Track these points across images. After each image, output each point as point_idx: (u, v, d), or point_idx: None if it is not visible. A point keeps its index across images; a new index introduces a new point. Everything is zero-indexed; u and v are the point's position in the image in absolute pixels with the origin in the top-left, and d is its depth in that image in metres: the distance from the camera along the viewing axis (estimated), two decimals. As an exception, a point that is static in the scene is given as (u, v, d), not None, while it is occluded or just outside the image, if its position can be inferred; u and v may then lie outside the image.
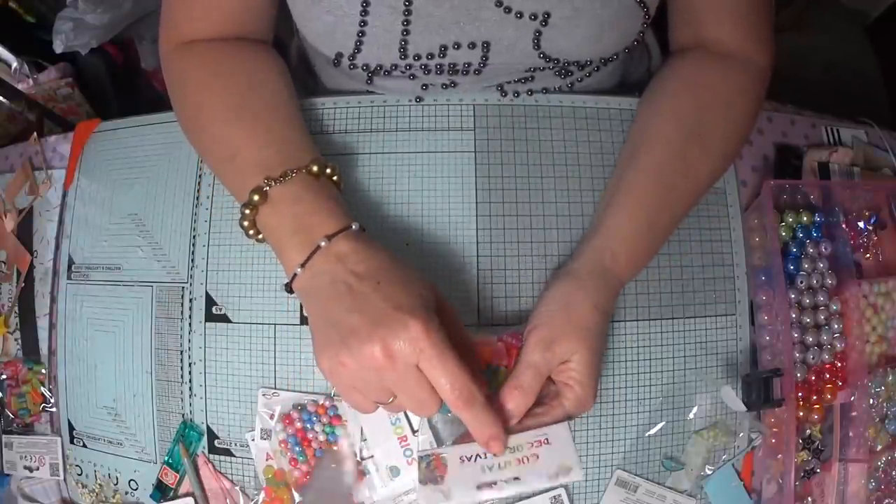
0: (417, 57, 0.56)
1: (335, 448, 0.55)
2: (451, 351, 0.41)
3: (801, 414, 0.55)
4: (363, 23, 0.53)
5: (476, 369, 0.46)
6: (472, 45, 0.55)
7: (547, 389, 0.48)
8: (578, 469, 0.47)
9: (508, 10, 0.52)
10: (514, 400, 0.46)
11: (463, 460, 0.47)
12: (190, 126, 0.55)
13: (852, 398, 0.56)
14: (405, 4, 0.52)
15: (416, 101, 0.61)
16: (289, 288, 0.47)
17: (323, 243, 0.44)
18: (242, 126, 0.51)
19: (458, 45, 0.55)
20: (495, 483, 0.46)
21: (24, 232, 0.68)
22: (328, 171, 0.50)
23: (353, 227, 0.46)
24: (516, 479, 0.46)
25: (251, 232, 0.49)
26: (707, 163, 0.54)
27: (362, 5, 0.52)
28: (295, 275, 0.46)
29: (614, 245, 0.51)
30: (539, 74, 0.60)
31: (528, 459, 0.47)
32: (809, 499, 0.56)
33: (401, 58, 0.56)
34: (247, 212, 0.48)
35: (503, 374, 0.49)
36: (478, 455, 0.47)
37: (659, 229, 0.53)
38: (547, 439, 0.47)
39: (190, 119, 0.55)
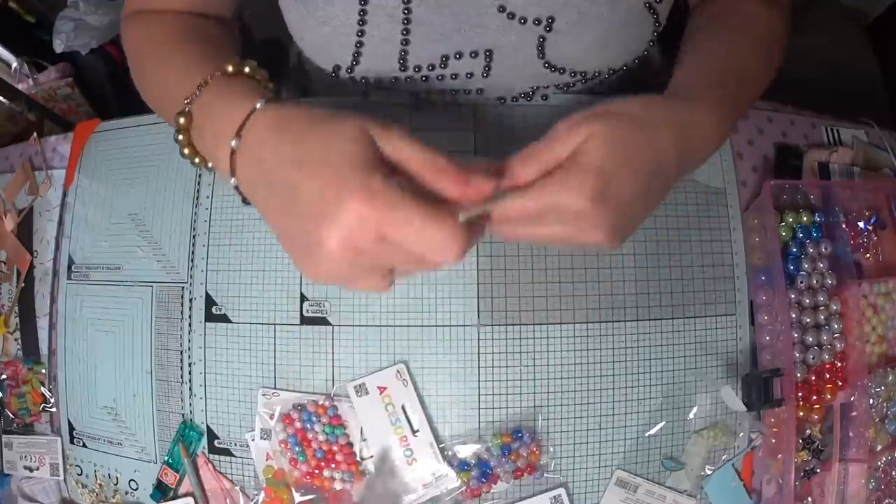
0: (418, 68, 0.55)
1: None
2: (404, 198, 0.34)
3: (801, 414, 0.55)
4: (361, 33, 0.52)
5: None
6: (475, 54, 0.54)
7: None
8: None
9: (512, 15, 0.51)
10: (518, 164, 0.40)
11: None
12: (142, 82, 0.53)
13: (852, 398, 0.56)
14: (404, 13, 0.50)
15: (414, 108, 0.61)
16: (243, 200, 0.42)
17: (233, 143, 0.39)
18: (175, 61, 0.48)
19: (459, 55, 0.54)
20: None
21: (24, 232, 0.68)
22: (247, 70, 0.45)
23: (258, 105, 0.39)
24: None
25: (196, 160, 0.45)
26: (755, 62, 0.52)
27: (360, 14, 0.50)
28: (237, 186, 0.41)
29: (678, 73, 0.48)
30: (542, 93, 0.59)
31: None
32: (809, 499, 0.56)
33: (400, 69, 0.55)
34: (180, 138, 0.44)
35: None
36: None
37: (728, 82, 0.48)
38: None
39: (139, 74, 0.53)
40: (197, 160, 0.45)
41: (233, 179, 0.40)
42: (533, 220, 0.40)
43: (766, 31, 0.54)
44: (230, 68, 0.44)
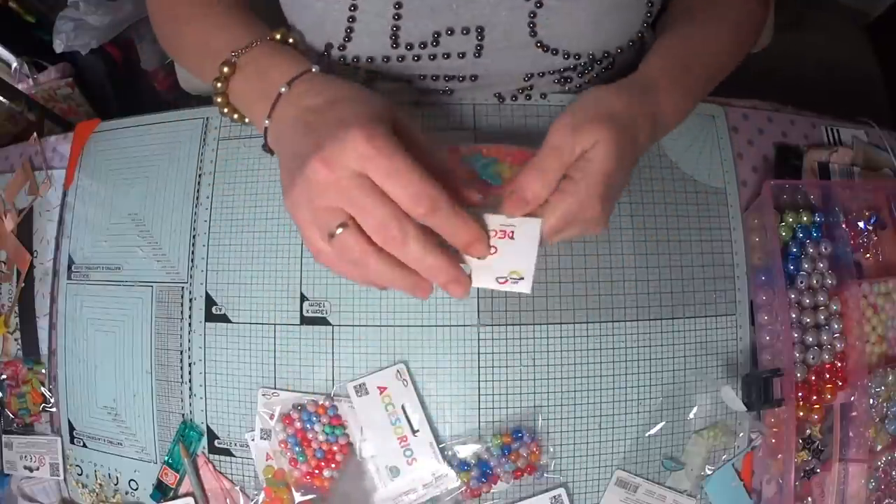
0: (409, 46, 0.55)
1: (358, 457, 0.55)
2: (403, 154, 0.37)
3: (801, 414, 0.55)
4: (353, 7, 0.52)
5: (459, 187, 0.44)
6: (466, 31, 0.54)
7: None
8: (529, 281, 0.42)
9: None
10: (534, 183, 0.43)
11: None
12: (175, 38, 0.57)
13: (852, 398, 0.56)
14: None
15: (413, 104, 0.61)
16: (266, 148, 0.46)
17: (283, 89, 0.44)
18: (210, 17, 0.53)
19: (451, 31, 0.54)
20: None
21: (24, 232, 0.68)
22: (291, 41, 0.51)
23: (314, 69, 0.45)
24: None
25: (226, 110, 0.50)
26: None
27: None
28: (266, 130, 0.45)
29: (650, 59, 0.51)
30: (538, 82, 0.59)
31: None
32: (809, 499, 0.56)
33: (392, 46, 0.54)
34: (219, 85, 0.48)
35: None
36: None
37: (693, 67, 0.53)
38: (513, 233, 0.43)
39: (173, 30, 0.57)
40: (226, 110, 0.50)
41: (267, 121, 0.45)
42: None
43: (743, 15, 0.57)
44: (279, 36, 0.50)
